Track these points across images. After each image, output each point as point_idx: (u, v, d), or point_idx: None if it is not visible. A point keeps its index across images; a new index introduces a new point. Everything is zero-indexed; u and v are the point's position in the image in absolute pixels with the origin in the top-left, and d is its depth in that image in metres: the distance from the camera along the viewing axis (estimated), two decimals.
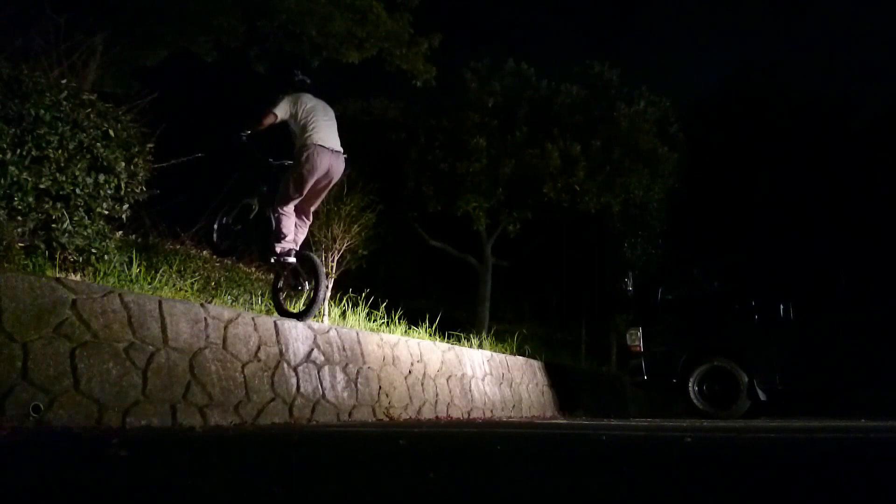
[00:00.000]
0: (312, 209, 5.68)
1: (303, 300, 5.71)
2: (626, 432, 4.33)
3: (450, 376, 7.26)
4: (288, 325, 5.28)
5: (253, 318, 4.97)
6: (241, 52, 10.38)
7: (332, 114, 5.66)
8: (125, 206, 5.00)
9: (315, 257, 5.57)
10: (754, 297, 8.19)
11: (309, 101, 5.51)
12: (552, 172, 11.70)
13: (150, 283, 5.06)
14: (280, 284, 5.75)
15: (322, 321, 6.66)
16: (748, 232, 15.34)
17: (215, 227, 5.68)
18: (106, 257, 4.76)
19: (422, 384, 6.73)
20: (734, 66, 19.53)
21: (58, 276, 4.11)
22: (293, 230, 5.47)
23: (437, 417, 6.59)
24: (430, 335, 8.34)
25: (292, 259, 5.45)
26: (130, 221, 5.52)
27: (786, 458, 2.66)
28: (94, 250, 4.66)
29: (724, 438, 3.74)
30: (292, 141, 5.51)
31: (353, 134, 12.41)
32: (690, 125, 15.03)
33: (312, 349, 5.44)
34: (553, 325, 15.77)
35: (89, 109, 4.76)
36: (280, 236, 5.37)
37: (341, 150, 5.53)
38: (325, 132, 5.43)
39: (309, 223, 5.76)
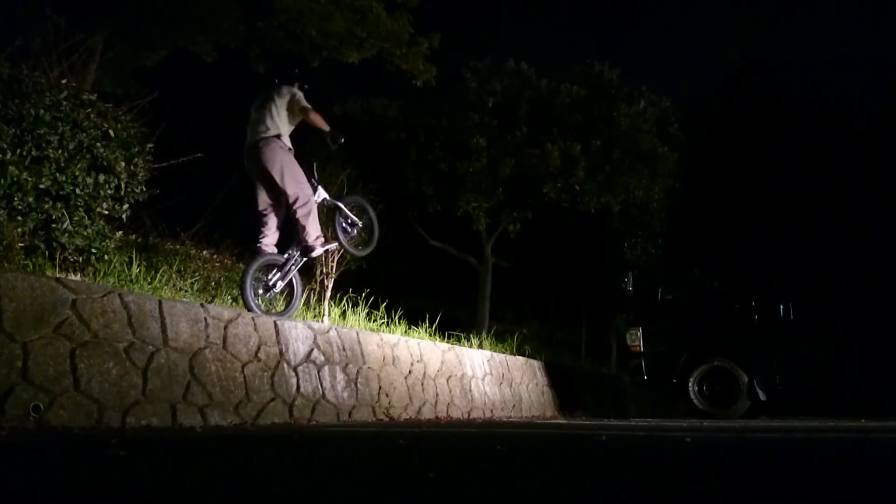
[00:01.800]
0: (289, 201, 5.45)
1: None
2: (626, 432, 4.33)
3: (450, 376, 7.27)
4: (288, 325, 5.28)
5: (253, 318, 4.97)
6: (241, 52, 10.39)
7: (265, 103, 5.52)
8: (125, 206, 5.00)
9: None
10: (754, 297, 8.19)
11: (256, 102, 5.61)
12: (552, 172, 11.70)
13: (150, 283, 5.06)
14: None
15: (322, 321, 6.66)
16: (748, 232, 15.34)
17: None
18: (106, 257, 4.76)
19: (422, 384, 6.73)
20: (734, 66, 19.54)
21: (58, 276, 4.11)
22: (263, 231, 5.50)
23: (437, 417, 6.59)
24: (430, 335, 8.34)
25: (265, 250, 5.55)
26: (130, 221, 5.52)
27: (786, 459, 2.66)
28: (94, 250, 4.66)
29: (724, 439, 3.74)
30: None
31: (353, 134, 12.45)
32: (690, 125, 15.03)
33: (312, 349, 5.44)
34: (553, 325, 15.77)
35: (89, 109, 4.76)
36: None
37: (260, 136, 5.40)
38: (248, 128, 5.50)
39: (282, 218, 5.61)
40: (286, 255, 5.52)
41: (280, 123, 5.44)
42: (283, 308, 5.64)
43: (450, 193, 11.98)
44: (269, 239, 5.51)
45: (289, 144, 5.48)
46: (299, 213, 5.41)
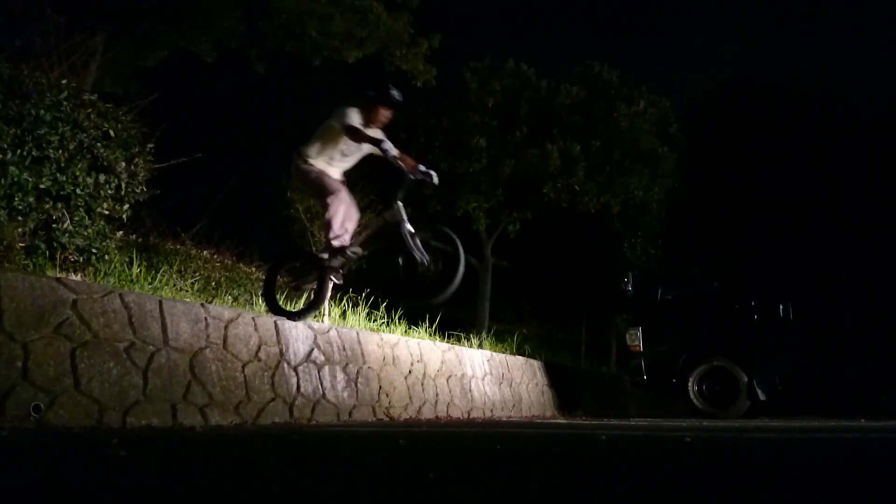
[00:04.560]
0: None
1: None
2: (625, 432, 4.33)
3: (450, 376, 7.27)
4: (288, 325, 5.29)
5: (253, 318, 4.97)
6: (242, 52, 10.39)
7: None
8: (125, 207, 5.01)
9: None
10: (754, 297, 8.20)
11: None
12: (552, 172, 11.71)
13: (150, 283, 5.07)
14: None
15: (322, 321, 6.67)
16: (748, 232, 15.35)
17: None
18: (106, 257, 4.77)
19: (422, 384, 6.73)
20: (734, 66, 19.56)
21: (58, 276, 4.12)
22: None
23: (437, 417, 6.59)
24: (430, 335, 8.34)
25: None
26: (131, 221, 5.52)
27: (785, 458, 2.66)
28: (94, 250, 4.66)
29: (723, 438, 3.75)
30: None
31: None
32: (690, 125, 15.04)
33: (312, 349, 5.44)
34: (553, 325, 15.77)
35: (90, 110, 4.77)
36: None
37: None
38: None
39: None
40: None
41: (313, 143, 5.15)
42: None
43: (450, 193, 11.99)
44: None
45: (306, 156, 5.15)
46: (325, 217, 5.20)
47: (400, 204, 5.17)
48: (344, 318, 7.16)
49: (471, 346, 8.78)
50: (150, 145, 5.26)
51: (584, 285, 14.78)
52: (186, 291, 5.59)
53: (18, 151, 4.29)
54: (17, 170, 4.22)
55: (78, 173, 4.56)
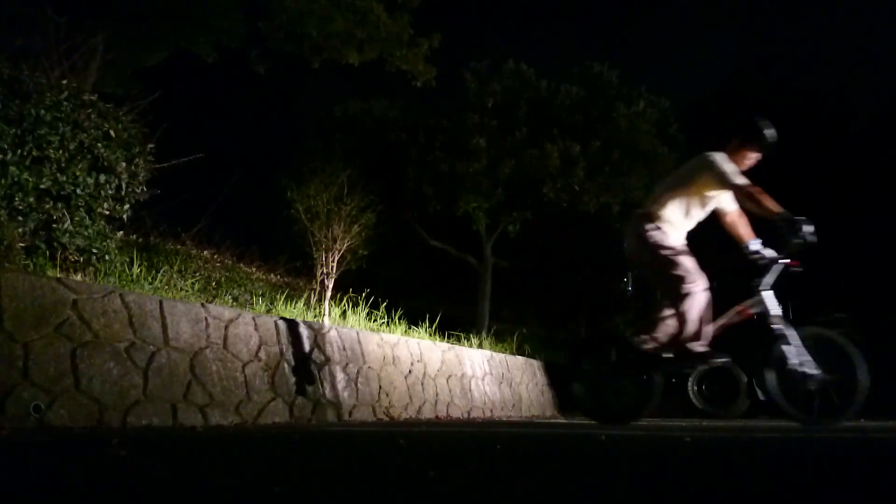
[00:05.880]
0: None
1: None
2: (624, 432, 4.33)
3: (450, 376, 7.28)
4: (289, 324, 5.30)
5: (253, 318, 4.98)
6: (242, 52, 10.40)
7: (680, 167, 4.47)
8: (126, 207, 5.01)
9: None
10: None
11: None
12: (552, 173, 11.72)
13: (150, 284, 5.07)
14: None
15: (322, 321, 6.67)
16: None
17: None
18: (107, 257, 4.78)
19: (422, 384, 6.74)
20: (734, 67, 19.57)
21: (59, 276, 4.12)
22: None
23: (437, 417, 6.60)
24: (430, 335, 8.35)
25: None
26: (131, 221, 5.53)
27: (785, 458, 2.67)
28: (94, 250, 4.67)
29: (723, 438, 3.75)
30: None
31: (354, 135, 12.48)
32: (690, 125, 15.05)
33: (313, 349, 5.45)
34: (553, 325, 15.77)
35: (90, 110, 4.78)
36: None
37: (637, 211, 4.53)
38: None
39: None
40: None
41: (664, 197, 4.32)
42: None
43: (450, 194, 12.00)
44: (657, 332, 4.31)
45: (657, 217, 4.36)
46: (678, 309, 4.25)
47: (767, 293, 4.22)
48: (344, 318, 7.17)
49: (471, 346, 8.78)
50: (151, 145, 5.27)
51: (584, 285, 14.78)
52: (187, 291, 5.60)
53: (19, 151, 4.30)
54: (17, 170, 4.22)
55: (78, 173, 4.57)
